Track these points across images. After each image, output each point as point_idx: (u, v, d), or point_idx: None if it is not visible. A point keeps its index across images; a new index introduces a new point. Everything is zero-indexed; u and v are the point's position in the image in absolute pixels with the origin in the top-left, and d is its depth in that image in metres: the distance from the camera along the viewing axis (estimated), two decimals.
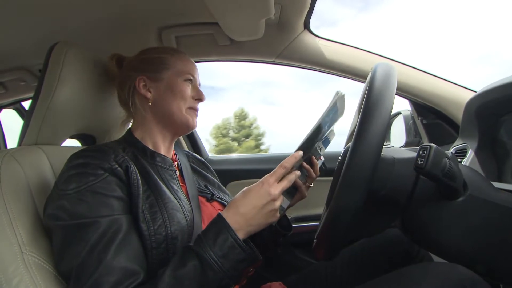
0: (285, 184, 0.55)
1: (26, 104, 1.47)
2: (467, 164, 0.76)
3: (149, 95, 0.68)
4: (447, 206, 0.49)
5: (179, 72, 0.69)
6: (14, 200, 0.53)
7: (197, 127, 0.73)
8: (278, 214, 0.54)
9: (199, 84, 0.74)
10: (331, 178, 0.69)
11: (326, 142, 0.70)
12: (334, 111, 0.63)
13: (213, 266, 0.48)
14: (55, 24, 0.86)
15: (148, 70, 0.69)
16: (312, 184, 0.68)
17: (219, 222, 0.52)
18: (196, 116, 0.72)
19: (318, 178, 0.68)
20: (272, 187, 0.53)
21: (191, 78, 0.70)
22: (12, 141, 1.61)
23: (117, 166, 0.55)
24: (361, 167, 0.43)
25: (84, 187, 0.51)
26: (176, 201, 0.59)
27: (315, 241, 0.56)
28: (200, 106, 0.73)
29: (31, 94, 1.21)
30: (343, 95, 0.63)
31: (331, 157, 1.16)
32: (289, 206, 0.62)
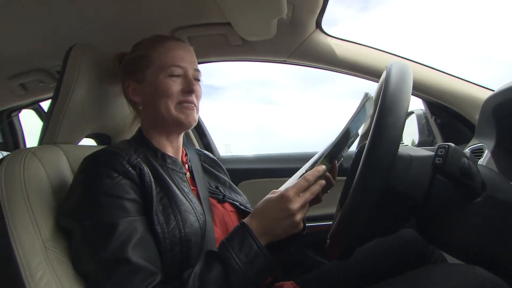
0: (307, 196, 0.53)
1: (44, 105, 1.52)
2: (483, 164, 0.74)
3: (138, 99, 0.67)
4: (464, 207, 0.48)
5: (160, 68, 0.64)
6: (36, 197, 0.54)
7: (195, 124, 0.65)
8: (300, 226, 0.53)
9: (197, 70, 0.66)
10: (343, 177, 0.69)
11: (351, 144, 0.68)
12: (363, 114, 0.61)
13: (238, 272, 0.49)
14: (72, 26, 0.89)
15: (133, 72, 0.66)
16: (329, 191, 0.66)
17: (243, 230, 0.52)
18: (192, 109, 0.64)
19: None
20: (292, 203, 0.52)
21: (176, 72, 0.64)
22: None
23: (130, 168, 0.55)
24: (378, 165, 0.43)
25: (98, 190, 0.52)
26: (188, 204, 0.59)
27: (328, 240, 0.55)
28: (200, 106, 0.66)
29: (49, 95, 1.25)
30: (372, 97, 0.61)
31: (343, 157, 1.15)
32: None
